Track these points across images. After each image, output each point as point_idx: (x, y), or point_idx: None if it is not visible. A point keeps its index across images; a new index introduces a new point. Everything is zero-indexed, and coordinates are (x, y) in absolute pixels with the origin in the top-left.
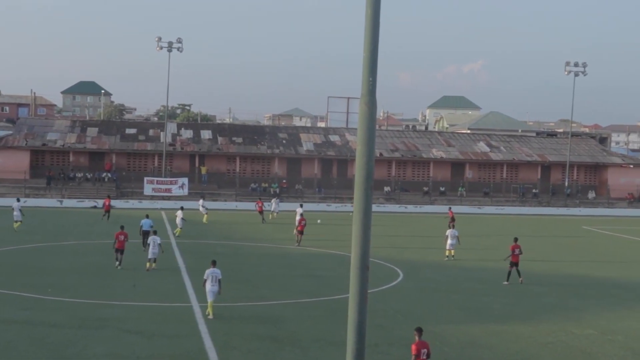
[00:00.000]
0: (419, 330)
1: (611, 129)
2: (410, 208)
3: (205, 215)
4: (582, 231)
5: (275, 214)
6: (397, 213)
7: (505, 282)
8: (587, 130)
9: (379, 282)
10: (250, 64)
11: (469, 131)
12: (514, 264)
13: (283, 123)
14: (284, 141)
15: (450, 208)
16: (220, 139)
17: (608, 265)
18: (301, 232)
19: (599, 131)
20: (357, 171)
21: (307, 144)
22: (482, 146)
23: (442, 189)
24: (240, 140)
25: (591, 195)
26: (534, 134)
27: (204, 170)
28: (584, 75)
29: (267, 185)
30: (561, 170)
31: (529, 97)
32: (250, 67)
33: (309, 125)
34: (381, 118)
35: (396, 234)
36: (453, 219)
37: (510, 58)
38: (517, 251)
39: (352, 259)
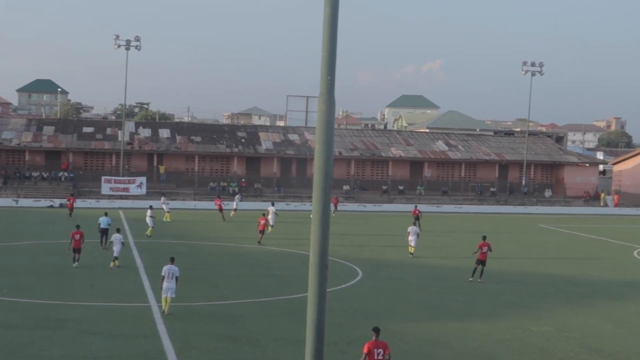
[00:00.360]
0: (376, 330)
1: (567, 128)
2: (370, 207)
3: (167, 214)
4: (539, 229)
5: (233, 212)
6: (356, 212)
7: (470, 279)
8: (544, 129)
9: (338, 281)
10: (209, 63)
11: (427, 130)
12: (481, 261)
13: (242, 122)
14: (242, 140)
15: (416, 206)
16: (178, 137)
17: (564, 263)
18: (262, 232)
19: (555, 130)
20: (316, 170)
21: (266, 142)
22: (440, 145)
23: (401, 187)
24: (199, 139)
25: (548, 193)
26: (492, 133)
27: (162, 169)
28: (541, 75)
29: (226, 184)
30: (518, 169)
31: (487, 96)
32: (209, 66)
33: (268, 124)
34: (340, 117)
35: (355, 232)
36: (417, 217)
37: (468, 58)
38: (484, 249)
39: (311, 258)
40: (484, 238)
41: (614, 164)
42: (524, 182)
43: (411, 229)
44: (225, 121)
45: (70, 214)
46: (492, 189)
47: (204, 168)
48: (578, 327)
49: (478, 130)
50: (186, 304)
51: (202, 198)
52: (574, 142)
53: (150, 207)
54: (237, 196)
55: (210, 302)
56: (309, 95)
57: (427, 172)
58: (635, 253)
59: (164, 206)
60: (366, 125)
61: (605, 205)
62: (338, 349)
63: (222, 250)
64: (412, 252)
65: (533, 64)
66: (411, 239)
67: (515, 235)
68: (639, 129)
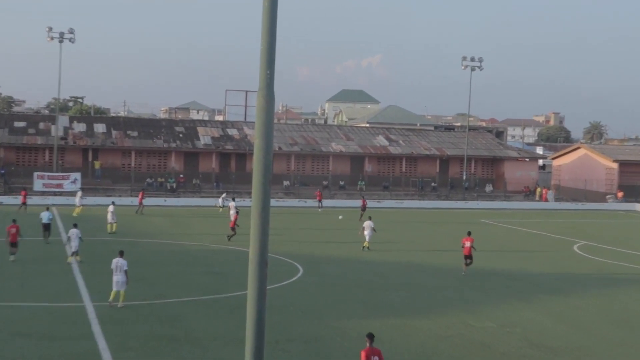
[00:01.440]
0: (370, 337)
1: (507, 123)
2: (310, 202)
3: (78, 209)
4: (480, 224)
5: (220, 208)
6: (296, 207)
7: (463, 273)
8: (484, 124)
9: (278, 277)
10: (146, 56)
11: (368, 125)
12: (467, 256)
13: (180, 116)
14: (180, 135)
15: (363, 197)
16: (114, 132)
17: (505, 258)
18: (233, 228)
19: (495, 125)
20: (255, 165)
21: (204, 137)
22: (381, 140)
23: (341, 183)
24: (135, 134)
25: (489, 188)
26: (433, 128)
27: (97, 164)
28: (480, 70)
29: (163, 180)
30: (459, 164)
31: (427, 91)
32: (146, 60)
33: (206, 118)
34: (280, 112)
35: (296, 228)
36: (364, 209)
37: (408, 53)
38: (467, 244)
39: (250, 255)
40: (469, 233)
41: (553, 158)
42: (464, 177)
43: (367, 223)
44: (162, 116)
45: (24, 208)
46: (433, 184)
47: (140, 164)
48: (519, 322)
49: (419, 125)
50: (123, 303)
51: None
52: (513, 137)
53: (113, 203)
54: (223, 195)
55: (148, 301)
56: (248, 90)
57: (368, 167)
58: (575, 247)
59: (77, 200)
60: (306, 120)
61: (544, 200)
62: (279, 347)
63: (159, 247)
64: (367, 246)
65: (473, 59)
66: (366, 234)
67: (456, 230)
68: (577, 124)
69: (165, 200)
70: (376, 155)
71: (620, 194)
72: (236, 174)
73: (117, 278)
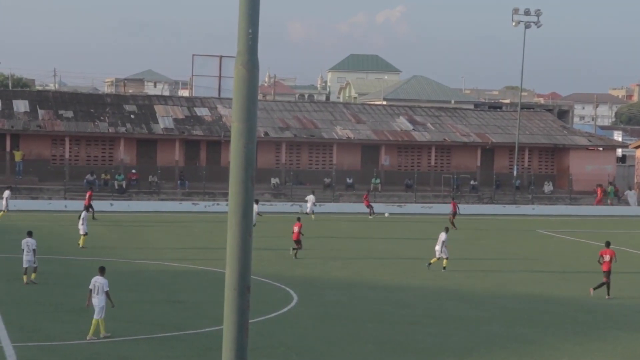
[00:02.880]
0: None
1: (574, 99)
2: (307, 207)
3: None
4: (536, 236)
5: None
6: (288, 213)
7: (607, 297)
8: (542, 101)
9: (265, 308)
10: (83, 9)
11: (385, 102)
12: (606, 273)
13: (131, 91)
14: (132, 116)
15: (453, 198)
16: (41, 112)
17: (571, 281)
18: (297, 242)
19: (557, 102)
20: (233, 157)
21: (164, 119)
22: (402, 123)
23: (349, 180)
24: (70, 114)
25: (548, 187)
26: (472, 107)
27: (18, 156)
28: (538, 27)
29: (108, 176)
30: (508, 155)
31: (464, 56)
32: (83, 13)
33: (167, 93)
34: (267, 84)
35: (288, 242)
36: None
37: (439, 3)
38: (607, 257)
39: (227, 278)
40: (608, 244)
41: (637, 147)
42: (515, 173)
43: (440, 236)
44: (107, 90)
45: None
46: (472, 182)
47: (77, 155)
48: None
49: (453, 102)
50: (54, 343)
51: (75, 196)
52: (582, 117)
53: (86, 209)
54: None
55: (88, 340)
56: (222, 55)
57: (385, 160)
58: None
59: (4, 202)
60: (302, 95)
61: (598, 202)
62: None
63: (106, 267)
64: (432, 262)
65: (527, 12)
66: (437, 249)
67: (503, 244)
68: None
69: (111, 204)
70: (396, 144)
71: None
72: (207, 169)
73: (96, 302)
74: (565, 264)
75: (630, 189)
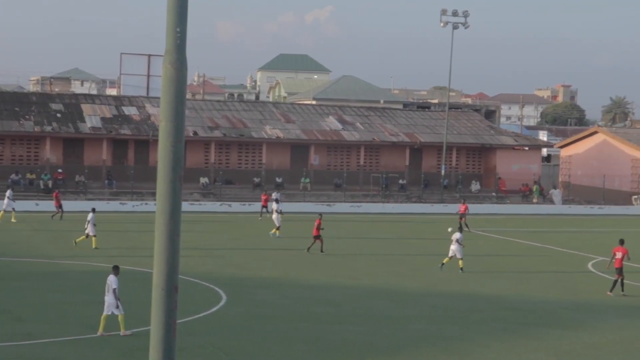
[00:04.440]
0: None
1: (500, 100)
2: (236, 207)
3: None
4: (463, 234)
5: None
6: (218, 213)
7: (622, 293)
8: (469, 101)
9: (193, 308)
10: (9, 8)
11: (314, 102)
12: (619, 270)
13: (57, 89)
14: (58, 115)
15: (464, 200)
16: None
17: (497, 279)
18: (317, 237)
19: (485, 102)
20: (161, 156)
21: (91, 118)
22: (332, 122)
23: (278, 180)
24: None
25: (475, 186)
26: (401, 106)
27: None
28: (465, 28)
29: (34, 176)
30: (436, 154)
31: (393, 56)
32: (9, 13)
33: (94, 92)
34: (196, 84)
35: (218, 241)
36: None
37: (368, 4)
38: (618, 254)
39: (154, 278)
40: (622, 242)
41: (562, 147)
42: (443, 172)
43: (454, 236)
44: (33, 88)
45: None
46: (401, 181)
47: (2, 154)
48: None
49: (382, 102)
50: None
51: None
52: (509, 118)
53: (93, 210)
54: (274, 194)
55: (14, 342)
56: (151, 54)
57: (315, 159)
58: (589, 265)
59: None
60: (231, 95)
61: (551, 202)
62: None
63: (27, 268)
64: (445, 262)
65: (455, 13)
66: (452, 248)
67: (430, 242)
68: (594, 101)
69: (37, 204)
70: (325, 143)
71: None
72: (136, 168)
73: (106, 299)
74: (493, 262)
75: (555, 188)
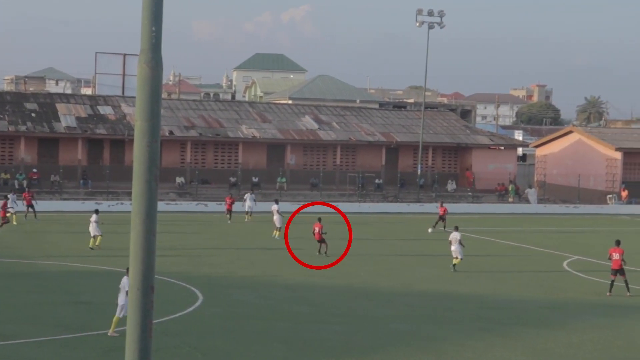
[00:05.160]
0: None
1: (476, 99)
2: (212, 206)
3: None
4: (440, 234)
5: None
6: (194, 213)
7: (627, 294)
8: (445, 101)
9: (169, 308)
10: None
11: (290, 102)
12: (617, 271)
13: (32, 89)
14: (32, 114)
15: (442, 203)
16: None
17: (474, 279)
18: (321, 241)
19: (460, 102)
20: (137, 156)
21: (66, 118)
22: (308, 122)
23: (255, 179)
24: None
25: (451, 186)
26: (377, 106)
27: None
28: (441, 28)
29: (8, 176)
30: (412, 154)
31: (369, 56)
32: None
33: (69, 92)
34: (171, 83)
35: (194, 241)
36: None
37: (344, 3)
38: (616, 255)
39: (130, 278)
40: (618, 243)
41: (537, 146)
42: (419, 172)
43: (453, 236)
44: (7, 88)
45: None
46: (377, 181)
47: None
48: None
49: (358, 101)
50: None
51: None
52: (484, 117)
53: (96, 212)
54: (247, 195)
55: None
56: (126, 53)
57: (291, 159)
58: (565, 264)
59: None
60: (207, 94)
61: (527, 201)
62: None
63: (1, 269)
64: (456, 264)
65: (431, 13)
66: (453, 249)
67: (408, 242)
68: (569, 100)
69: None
70: (302, 143)
71: (624, 194)
72: (111, 168)
73: (118, 300)
74: (469, 262)
75: (531, 187)
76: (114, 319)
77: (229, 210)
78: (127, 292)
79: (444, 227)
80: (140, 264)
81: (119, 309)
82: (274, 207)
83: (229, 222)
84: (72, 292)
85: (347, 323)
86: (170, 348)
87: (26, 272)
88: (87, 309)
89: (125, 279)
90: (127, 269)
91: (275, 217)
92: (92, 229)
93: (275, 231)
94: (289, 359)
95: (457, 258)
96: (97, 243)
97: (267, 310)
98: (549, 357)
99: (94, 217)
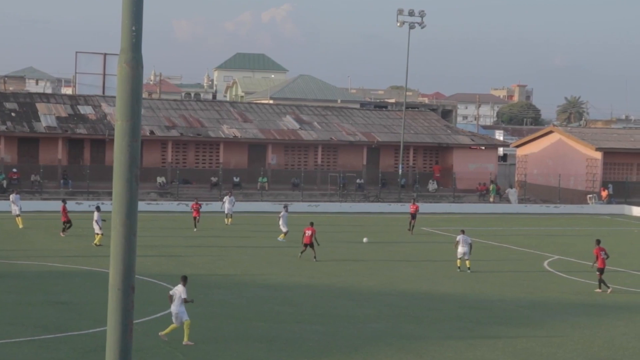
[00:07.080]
0: None
1: (457, 99)
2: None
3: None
4: (421, 233)
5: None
6: (175, 213)
7: (598, 290)
8: (426, 100)
9: (150, 308)
10: None
11: (271, 101)
12: (602, 270)
13: (11, 88)
14: (12, 114)
15: (414, 200)
16: None
17: (454, 279)
18: (309, 245)
19: (441, 102)
20: (117, 156)
21: (46, 117)
22: (289, 122)
23: (236, 179)
24: None
25: (432, 186)
26: (358, 106)
27: None
28: (422, 28)
29: None
30: (393, 154)
31: (350, 56)
32: None
33: (49, 91)
34: (152, 83)
35: (174, 241)
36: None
37: (325, 3)
38: (602, 254)
39: (110, 278)
40: (598, 242)
41: (518, 146)
42: (400, 172)
43: (460, 237)
44: None
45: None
46: (358, 181)
47: None
48: None
49: (339, 101)
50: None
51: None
52: (465, 117)
53: (98, 209)
54: (226, 198)
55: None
56: (107, 52)
57: (272, 159)
58: (545, 264)
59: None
60: (188, 94)
61: (507, 200)
62: None
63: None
64: (469, 267)
65: (412, 13)
66: (461, 251)
67: (389, 243)
68: (549, 100)
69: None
70: (283, 142)
71: (604, 193)
72: (92, 168)
73: (172, 309)
74: (450, 261)
75: (512, 187)
76: (185, 326)
77: (195, 218)
78: (183, 299)
79: (412, 226)
80: (120, 264)
81: (175, 316)
82: (283, 213)
83: (194, 229)
84: (52, 293)
85: (327, 323)
86: (151, 348)
87: (5, 272)
88: (67, 309)
89: (180, 287)
90: (182, 278)
91: (282, 222)
92: (95, 226)
93: (282, 234)
94: (270, 359)
95: (460, 259)
96: (96, 241)
97: (247, 310)
98: (529, 356)
99: (96, 215)
